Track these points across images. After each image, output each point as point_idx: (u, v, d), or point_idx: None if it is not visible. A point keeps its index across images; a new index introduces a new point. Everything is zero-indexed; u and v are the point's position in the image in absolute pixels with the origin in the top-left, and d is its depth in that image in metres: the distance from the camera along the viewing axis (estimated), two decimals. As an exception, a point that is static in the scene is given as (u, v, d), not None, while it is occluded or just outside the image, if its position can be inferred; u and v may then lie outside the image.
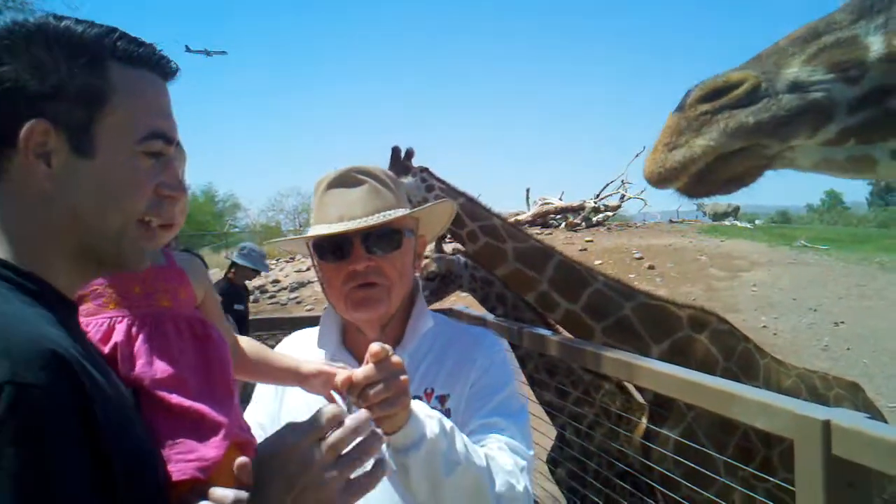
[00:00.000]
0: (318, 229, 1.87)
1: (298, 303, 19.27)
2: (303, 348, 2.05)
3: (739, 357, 4.52)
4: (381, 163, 2.08)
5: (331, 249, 1.88)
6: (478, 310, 5.87)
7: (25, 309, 1.09)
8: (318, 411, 1.28)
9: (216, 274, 23.79)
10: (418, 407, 1.66)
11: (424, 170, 4.76)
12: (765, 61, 1.29)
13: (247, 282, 8.84)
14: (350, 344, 2.01)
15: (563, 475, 5.36)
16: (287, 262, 24.77)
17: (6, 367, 0.97)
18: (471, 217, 4.71)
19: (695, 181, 1.30)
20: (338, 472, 1.23)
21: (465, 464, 1.67)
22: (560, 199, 29.01)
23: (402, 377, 1.52)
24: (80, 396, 1.03)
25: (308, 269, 22.91)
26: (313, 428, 1.25)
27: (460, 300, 7.51)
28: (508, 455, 1.80)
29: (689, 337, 4.48)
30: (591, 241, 23.43)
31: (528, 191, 30.81)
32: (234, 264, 8.62)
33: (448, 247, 5.97)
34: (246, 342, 1.78)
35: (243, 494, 1.28)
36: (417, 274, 2.06)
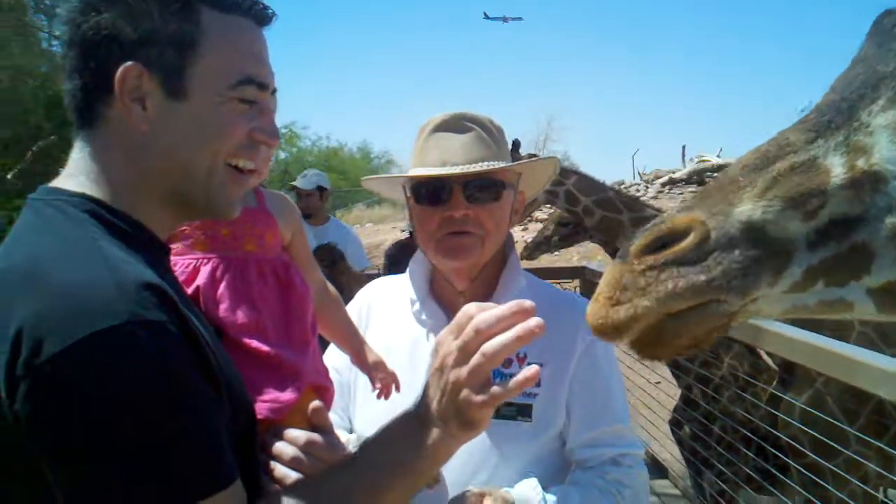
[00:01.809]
0: (419, 171, 1.85)
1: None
2: (389, 296, 2.05)
3: (878, 322, 4.29)
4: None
5: (429, 193, 1.85)
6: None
7: (121, 251, 1.13)
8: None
9: (368, 229, 24.34)
10: (522, 495, 1.69)
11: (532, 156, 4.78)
12: (714, 197, 1.11)
13: None
14: (437, 293, 1.98)
15: (685, 436, 5.27)
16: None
17: (125, 307, 1.02)
18: (584, 193, 4.69)
19: (646, 341, 1.13)
20: None
21: None
22: (718, 157, 27.94)
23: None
24: (185, 325, 1.10)
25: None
26: None
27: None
28: (632, 490, 1.83)
29: None
30: (749, 200, 22.44)
31: (683, 148, 29.89)
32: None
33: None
34: (331, 291, 1.76)
35: (315, 436, 1.34)
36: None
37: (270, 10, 1.30)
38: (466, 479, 1.74)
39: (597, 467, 1.83)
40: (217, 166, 1.23)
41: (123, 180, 1.21)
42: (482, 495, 1.64)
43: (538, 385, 1.82)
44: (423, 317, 1.95)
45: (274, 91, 1.32)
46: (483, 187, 1.82)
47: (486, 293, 1.93)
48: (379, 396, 1.73)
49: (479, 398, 1.15)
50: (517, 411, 1.81)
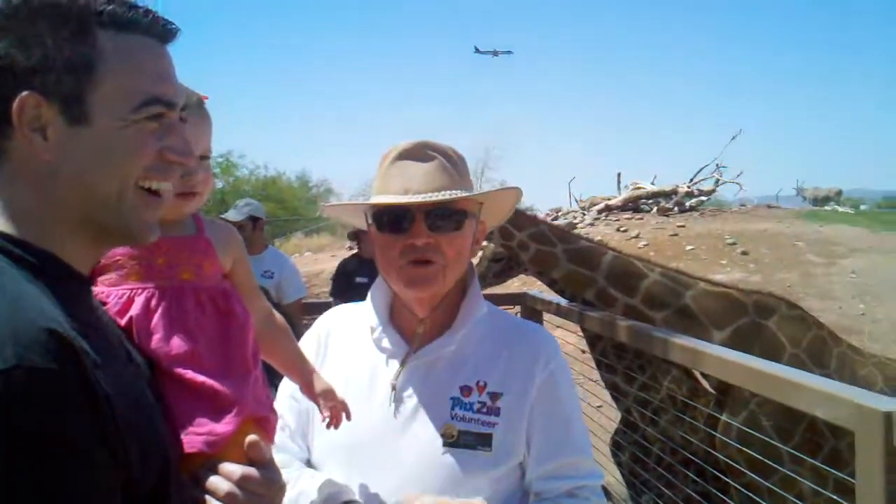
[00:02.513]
0: (381, 199, 1.85)
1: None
2: (347, 323, 2.03)
3: (810, 344, 4.40)
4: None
5: (391, 221, 1.83)
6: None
7: (26, 286, 1.08)
8: None
9: (307, 257, 24.16)
10: None
11: None
12: None
13: None
14: (397, 321, 1.97)
15: (625, 459, 5.32)
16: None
17: (13, 351, 0.96)
18: (517, 228, 4.77)
19: None
20: None
21: None
22: (652, 184, 28.47)
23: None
24: (84, 376, 1.03)
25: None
26: None
27: (530, 285, 7.50)
28: None
29: (753, 323, 4.40)
30: (683, 226, 22.89)
31: (619, 175, 30.35)
32: (355, 240, 8.72)
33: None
34: (277, 319, 1.73)
35: (251, 471, 1.31)
36: (474, 260, 2.02)
37: (173, 26, 1.25)
38: None
39: (552, 499, 1.83)
40: (127, 190, 1.18)
41: (31, 212, 1.16)
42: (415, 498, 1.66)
43: (498, 414, 1.81)
44: (383, 343, 1.93)
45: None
46: (445, 216, 1.82)
47: (446, 321, 1.92)
48: (329, 426, 1.72)
49: None
50: (476, 441, 1.79)
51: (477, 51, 67.20)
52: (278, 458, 1.87)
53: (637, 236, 21.56)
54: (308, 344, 2.00)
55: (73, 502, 0.98)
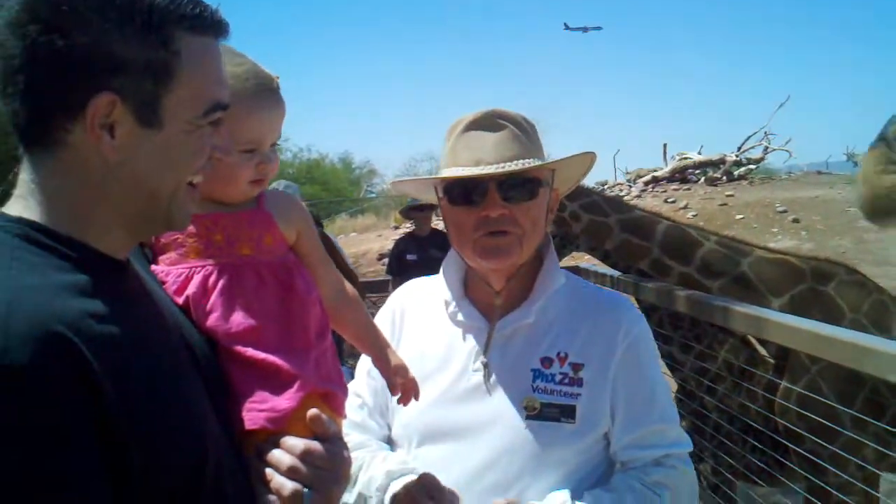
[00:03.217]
0: (452, 171, 1.82)
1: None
2: (422, 297, 2.02)
3: (871, 308, 4.34)
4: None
5: (463, 193, 1.81)
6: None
7: (46, 277, 1.07)
8: None
9: (353, 238, 24.24)
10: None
11: None
12: None
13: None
14: (472, 294, 1.95)
15: (683, 428, 5.30)
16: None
17: (3, 346, 0.95)
18: (569, 198, 4.73)
19: None
20: None
21: None
22: (699, 154, 28.05)
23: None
24: (80, 375, 1.01)
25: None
26: None
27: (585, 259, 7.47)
28: (676, 491, 1.82)
29: (811, 289, 4.34)
30: (732, 195, 22.56)
31: (665, 146, 29.94)
32: (408, 216, 8.76)
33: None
34: (349, 291, 1.65)
35: (314, 444, 1.30)
36: (549, 229, 1.97)
37: (227, 22, 1.24)
38: (510, 482, 1.73)
39: (638, 468, 1.82)
40: (181, 189, 1.21)
41: (75, 204, 1.15)
42: None
43: (580, 385, 1.80)
44: (459, 318, 1.92)
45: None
46: (519, 186, 1.79)
47: (523, 293, 1.90)
48: (399, 402, 1.69)
49: None
50: (560, 412, 1.79)
51: (566, 27, 66.00)
52: (356, 436, 1.89)
53: (685, 207, 21.31)
54: (383, 320, 1.98)
55: (42, 496, 0.95)
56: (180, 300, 1.39)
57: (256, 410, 1.33)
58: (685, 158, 27.64)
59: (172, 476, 1.11)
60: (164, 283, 1.41)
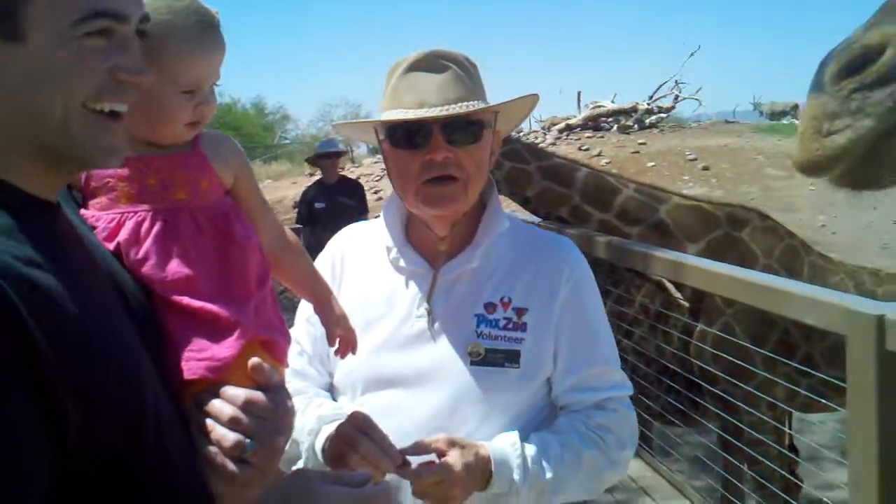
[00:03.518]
0: (393, 114, 1.75)
1: (380, 199, 19.28)
2: (362, 243, 1.97)
3: (782, 253, 4.47)
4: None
5: (406, 136, 1.75)
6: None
7: None
8: (383, 485, 1.24)
9: (268, 185, 23.91)
10: (499, 451, 1.66)
11: None
12: None
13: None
14: (414, 239, 1.89)
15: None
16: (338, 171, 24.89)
17: None
18: None
19: (857, 166, 1.13)
20: None
21: (566, 480, 1.71)
22: (612, 102, 28.44)
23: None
24: (7, 319, 0.92)
25: (359, 178, 22.98)
26: (365, 498, 1.18)
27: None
28: (616, 434, 1.80)
29: (727, 235, 4.45)
30: (644, 143, 23.00)
31: (579, 94, 30.25)
32: (315, 163, 8.67)
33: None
34: (289, 237, 1.60)
35: (256, 394, 1.25)
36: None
37: None
38: (456, 427, 1.70)
39: (581, 412, 1.81)
40: (72, 112, 1.07)
41: None
42: (452, 443, 1.61)
43: (524, 330, 1.78)
44: (401, 263, 1.86)
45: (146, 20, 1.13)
46: (462, 128, 1.73)
47: (466, 237, 1.86)
48: (336, 353, 1.64)
49: None
50: (504, 358, 1.76)
51: None
52: (295, 383, 1.83)
53: (599, 154, 21.62)
54: (323, 266, 1.91)
55: None
56: (111, 246, 1.30)
57: (195, 360, 1.27)
58: (599, 107, 27.99)
59: (112, 430, 1.04)
60: (94, 228, 1.32)
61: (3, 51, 1.02)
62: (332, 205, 8.04)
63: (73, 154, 1.10)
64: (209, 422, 1.23)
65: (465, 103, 1.72)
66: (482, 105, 1.75)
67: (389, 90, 1.79)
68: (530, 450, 1.69)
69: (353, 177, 9.51)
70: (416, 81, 1.75)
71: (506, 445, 1.68)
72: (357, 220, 2.12)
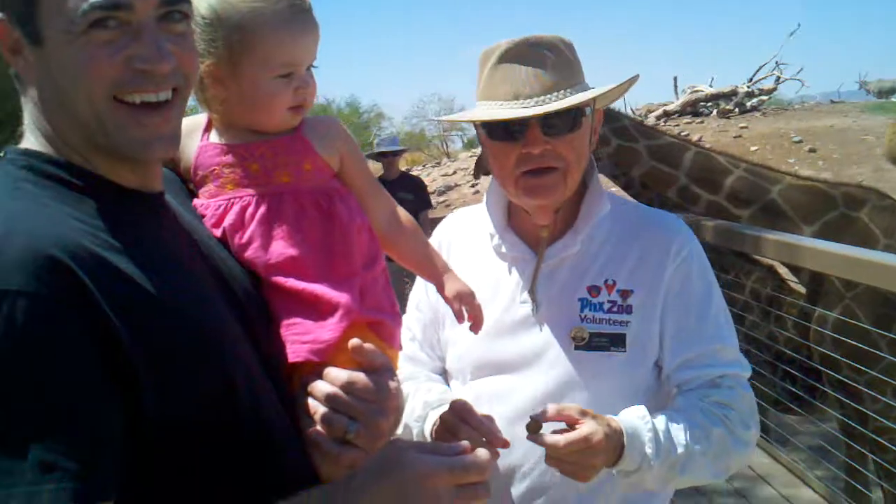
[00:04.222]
0: (488, 107, 1.72)
1: (447, 206, 19.45)
2: (467, 229, 1.96)
3: None
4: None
5: (503, 129, 1.72)
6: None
7: (43, 204, 1.06)
8: (476, 460, 1.16)
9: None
10: (629, 423, 1.60)
11: None
12: None
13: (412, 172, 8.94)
14: (516, 224, 1.88)
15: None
16: (433, 167, 25.07)
17: None
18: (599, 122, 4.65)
19: None
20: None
21: (695, 458, 1.65)
22: (710, 86, 27.70)
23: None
24: (76, 298, 0.99)
25: (454, 172, 23.12)
26: (460, 468, 1.13)
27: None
28: (738, 411, 1.73)
29: (843, 215, 4.29)
30: (746, 127, 22.30)
31: (675, 79, 29.57)
32: (377, 160, 8.81)
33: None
34: (403, 217, 1.59)
35: (359, 376, 1.25)
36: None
37: None
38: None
39: (696, 390, 1.74)
40: (98, 106, 1.10)
41: (47, 132, 1.14)
42: (584, 413, 1.56)
43: (630, 312, 1.74)
44: (503, 250, 1.86)
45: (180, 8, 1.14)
46: (561, 118, 1.69)
47: (568, 221, 1.83)
48: (472, 329, 1.61)
49: None
50: (609, 341, 1.73)
51: None
52: (407, 368, 1.84)
53: (699, 140, 21.09)
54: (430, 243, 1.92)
55: (37, 416, 0.94)
56: (218, 233, 1.35)
57: (300, 342, 1.30)
58: (696, 91, 27.29)
59: (194, 397, 1.09)
60: (203, 216, 1.37)
61: (36, 56, 1.09)
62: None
63: (111, 145, 1.13)
64: (312, 403, 1.25)
65: (562, 92, 1.68)
66: (579, 94, 1.70)
67: (483, 80, 1.76)
68: (660, 423, 1.64)
69: (449, 171, 9.61)
70: (510, 72, 1.70)
71: (635, 418, 1.63)
72: (417, 216, 2.11)
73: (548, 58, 1.70)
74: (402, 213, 1.58)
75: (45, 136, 1.14)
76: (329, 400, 1.24)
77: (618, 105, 4.84)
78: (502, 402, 1.72)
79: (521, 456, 1.71)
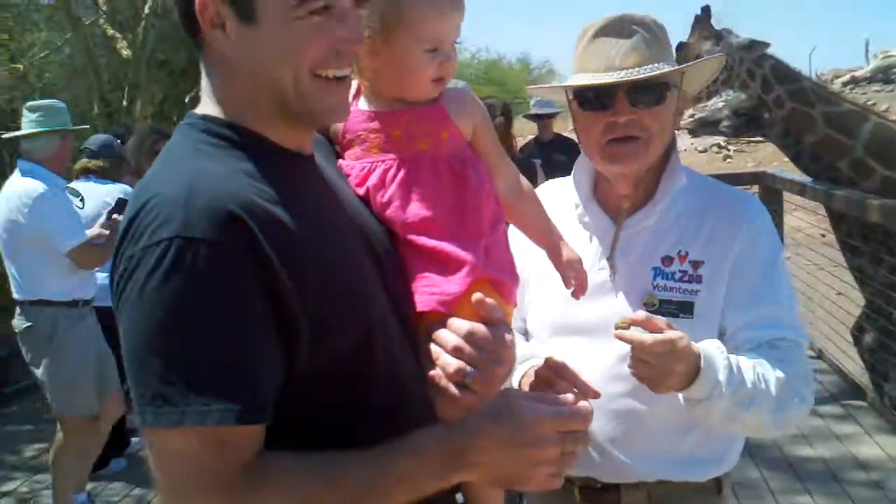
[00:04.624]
0: (581, 78, 1.86)
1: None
2: (556, 199, 2.06)
3: None
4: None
5: (592, 99, 1.86)
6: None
7: (223, 164, 1.20)
8: (578, 409, 1.28)
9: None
10: (706, 350, 1.68)
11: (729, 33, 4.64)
12: None
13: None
14: (600, 195, 2.01)
15: (868, 343, 5.09)
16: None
17: (178, 222, 1.08)
18: (778, 80, 4.47)
19: None
20: (556, 450, 1.23)
21: (759, 397, 1.72)
22: (907, 52, 25.74)
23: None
24: (250, 248, 1.12)
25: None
26: (564, 416, 1.25)
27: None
28: (795, 367, 1.79)
29: None
30: (943, 98, 20.69)
31: (867, 42, 27.68)
32: (533, 120, 8.85)
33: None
34: (525, 186, 1.71)
35: (479, 327, 1.36)
36: (677, 131, 1.99)
37: None
38: (631, 377, 1.72)
39: (753, 350, 1.80)
40: (301, 80, 1.24)
41: (233, 99, 1.26)
42: (671, 326, 1.64)
43: (700, 282, 1.84)
44: (586, 219, 1.98)
45: None
46: (647, 90, 1.82)
47: (648, 194, 1.95)
48: (574, 295, 1.72)
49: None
50: (678, 308, 1.84)
51: None
52: None
53: (886, 110, 19.74)
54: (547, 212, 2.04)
55: (213, 364, 1.09)
56: (361, 192, 1.49)
57: (428, 294, 1.42)
58: (889, 56, 25.45)
59: (342, 342, 1.22)
60: (348, 175, 1.51)
61: (242, 33, 1.22)
62: (547, 161, 8.18)
63: (305, 113, 1.28)
64: (435, 349, 1.37)
65: (649, 66, 1.80)
66: (664, 68, 1.81)
67: (578, 54, 1.90)
68: (733, 359, 1.71)
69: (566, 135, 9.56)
70: (603, 46, 1.84)
71: (712, 347, 1.70)
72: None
73: (639, 35, 1.83)
74: (524, 181, 1.69)
75: (222, 102, 1.28)
76: (453, 347, 1.35)
77: (802, 68, 4.62)
78: (577, 364, 1.80)
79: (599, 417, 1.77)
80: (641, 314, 1.65)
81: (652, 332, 1.62)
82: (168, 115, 13.91)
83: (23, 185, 4.32)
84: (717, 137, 6.50)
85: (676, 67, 1.86)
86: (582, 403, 1.29)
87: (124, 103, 12.07)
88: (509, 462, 1.22)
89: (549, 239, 1.73)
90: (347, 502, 1.18)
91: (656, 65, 1.82)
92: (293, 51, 1.22)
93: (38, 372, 4.41)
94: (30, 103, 4.77)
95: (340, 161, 1.54)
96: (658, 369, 1.63)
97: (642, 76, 1.79)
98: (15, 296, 4.42)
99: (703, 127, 5.84)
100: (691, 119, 6.14)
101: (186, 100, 13.45)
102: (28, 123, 4.49)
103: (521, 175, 1.69)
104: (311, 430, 1.21)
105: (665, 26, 1.92)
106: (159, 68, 13.80)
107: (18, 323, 4.42)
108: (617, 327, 1.63)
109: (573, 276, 1.71)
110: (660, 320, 1.64)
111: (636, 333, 1.62)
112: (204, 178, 1.15)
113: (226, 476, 1.10)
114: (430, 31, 1.46)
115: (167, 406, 1.06)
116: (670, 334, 1.61)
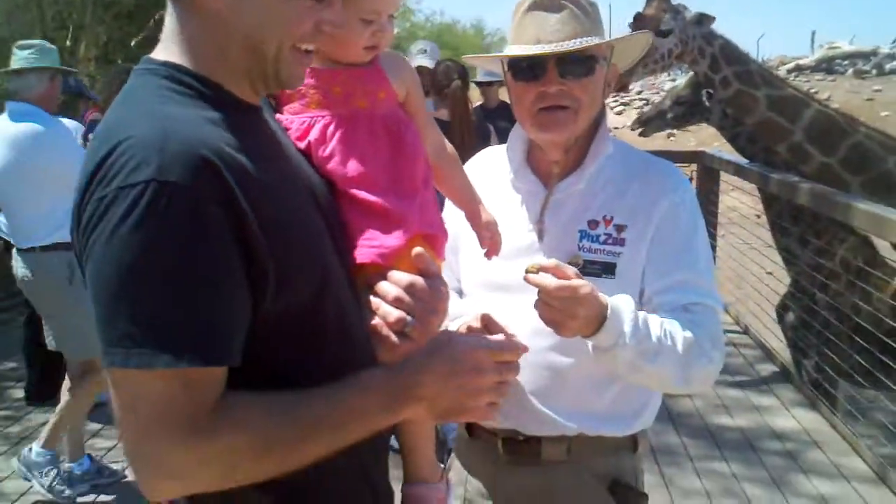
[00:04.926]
0: (514, 49, 1.95)
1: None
2: (492, 165, 2.19)
3: None
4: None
5: (524, 70, 1.95)
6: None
7: (190, 111, 1.22)
8: (508, 341, 1.46)
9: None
10: (614, 301, 1.76)
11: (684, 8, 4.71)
12: None
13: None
14: (532, 162, 2.11)
15: (791, 321, 5.29)
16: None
17: (154, 166, 1.09)
18: (727, 61, 4.56)
19: None
20: (493, 377, 1.35)
21: (665, 353, 1.80)
22: (850, 44, 26.34)
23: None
24: (223, 194, 1.14)
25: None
26: (496, 347, 1.40)
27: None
28: (706, 330, 1.87)
29: None
30: (880, 90, 21.21)
31: (813, 33, 28.28)
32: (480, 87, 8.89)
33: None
34: (449, 150, 1.82)
35: (418, 279, 1.46)
36: (607, 100, 2.08)
37: None
38: (546, 334, 1.81)
39: (667, 312, 1.89)
40: (283, 51, 1.30)
41: (204, 51, 1.28)
42: (579, 276, 1.72)
43: (623, 245, 1.94)
44: (519, 184, 2.08)
45: None
46: (576, 62, 1.92)
47: (577, 160, 2.05)
48: (486, 255, 1.85)
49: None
50: (602, 269, 1.94)
51: None
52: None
53: (828, 99, 20.18)
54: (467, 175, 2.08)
55: (183, 305, 1.11)
56: (302, 145, 1.55)
57: (368, 247, 1.49)
58: (834, 48, 26.02)
59: (301, 286, 1.27)
60: (287, 129, 1.57)
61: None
62: (494, 127, 8.28)
63: (273, 76, 1.34)
64: (375, 300, 1.45)
65: (577, 40, 1.90)
66: (593, 41, 1.92)
67: (514, 27, 1.99)
68: (641, 314, 1.81)
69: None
70: (535, 19, 1.94)
71: (621, 300, 1.79)
72: None
73: (570, 10, 1.93)
74: (448, 146, 1.80)
75: (190, 51, 1.30)
76: (393, 298, 1.43)
77: (750, 52, 4.72)
78: (505, 319, 1.86)
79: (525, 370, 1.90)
80: (553, 262, 1.72)
81: (560, 279, 1.69)
82: (112, 58, 13.54)
83: (27, 126, 4.20)
84: (666, 131, 6.59)
85: (604, 41, 1.95)
86: (513, 339, 1.43)
87: (68, 43, 11.74)
88: (451, 393, 1.31)
89: (469, 201, 1.83)
90: (303, 437, 1.23)
91: (585, 39, 1.91)
92: (285, 25, 1.28)
93: (53, 319, 4.32)
94: (20, 42, 4.64)
95: (279, 115, 1.59)
96: (562, 313, 1.71)
97: (570, 49, 1.89)
98: (20, 246, 4.28)
99: (649, 124, 5.91)
100: (637, 120, 6.21)
101: (133, 43, 13.15)
102: (19, 61, 4.38)
103: (445, 140, 1.79)
104: (267, 383, 1.24)
105: (597, 2, 2.01)
106: (106, 9, 13.39)
107: (24, 272, 4.28)
108: (527, 271, 1.70)
109: (489, 237, 1.82)
110: (567, 268, 1.72)
111: (543, 278, 1.69)
112: (177, 122, 1.18)
113: (192, 416, 1.13)
114: (369, 3, 1.51)
115: (136, 348, 1.08)
116: (574, 281, 1.69)
